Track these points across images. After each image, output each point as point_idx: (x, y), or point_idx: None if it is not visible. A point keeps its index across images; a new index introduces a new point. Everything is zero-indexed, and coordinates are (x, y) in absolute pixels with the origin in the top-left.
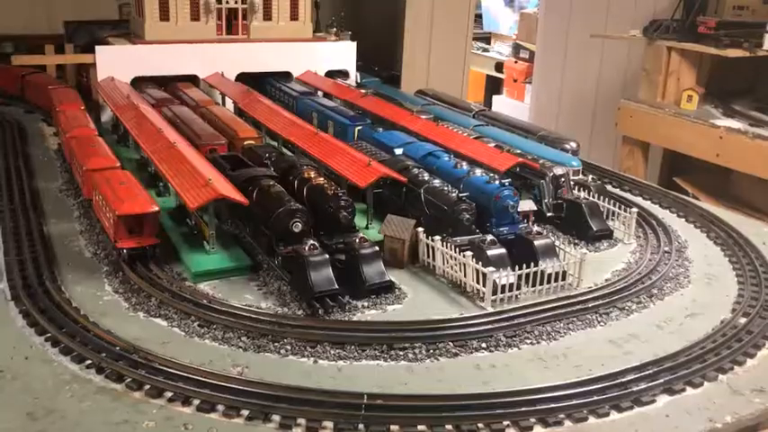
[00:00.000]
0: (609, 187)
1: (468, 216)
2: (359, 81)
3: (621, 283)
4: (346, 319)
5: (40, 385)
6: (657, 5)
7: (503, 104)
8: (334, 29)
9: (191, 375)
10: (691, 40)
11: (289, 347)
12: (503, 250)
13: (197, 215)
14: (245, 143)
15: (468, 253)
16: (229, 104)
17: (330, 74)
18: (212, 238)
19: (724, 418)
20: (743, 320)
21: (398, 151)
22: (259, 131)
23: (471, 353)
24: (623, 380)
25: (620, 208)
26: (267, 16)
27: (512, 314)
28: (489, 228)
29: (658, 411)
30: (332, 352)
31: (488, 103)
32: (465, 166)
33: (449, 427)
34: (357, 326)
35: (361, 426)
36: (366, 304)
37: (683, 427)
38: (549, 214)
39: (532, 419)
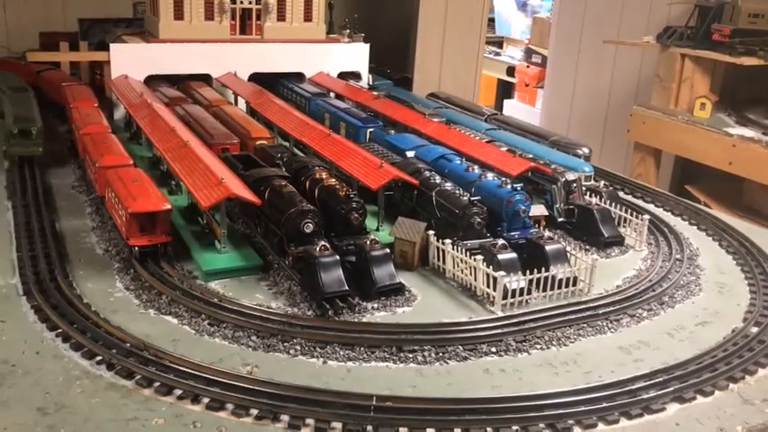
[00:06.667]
0: (621, 194)
1: (479, 220)
2: (371, 83)
3: (632, 290)
4: (356, 320)
5: (51, 380)
6: (672, 12)
7: (514, 109)
8: (348, 30)
9: (200, 373)
10: (705, 47)
11: (298, 348)
12: (514, 255)
13: (209, 214)
14: (258, 143)
15: (479, 257)
16: (242, 104)
17: (342, 75)
18: (224, 237)
19: (734, 428)
20: (755, 330)
21: (410, 154)
22: (271, 131)
23: (481, 357)
24: (633, 387)
25: (631, 215)
26: (281, 17)
27: (522, 319)
28: (500, 232)
29: (668, 419)
30: (341, 353)
31: (499, 107)
32: (476, 169)
33: (457, 430)
34: (367, 327)
35: (369, 427)
36: (376, 306)
37: None
38: (560, 219)
39: (541, 425)
